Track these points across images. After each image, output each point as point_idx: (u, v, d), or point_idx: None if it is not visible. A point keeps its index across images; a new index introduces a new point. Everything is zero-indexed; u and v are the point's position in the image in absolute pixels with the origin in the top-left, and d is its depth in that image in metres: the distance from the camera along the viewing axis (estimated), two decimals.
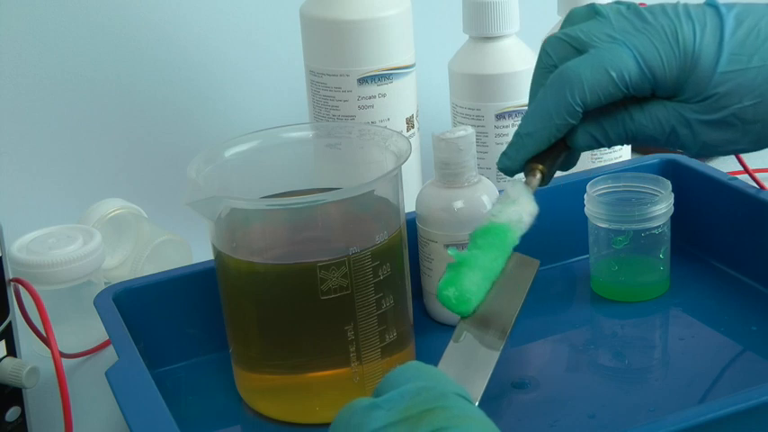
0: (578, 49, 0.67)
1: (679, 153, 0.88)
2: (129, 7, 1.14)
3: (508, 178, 0.71)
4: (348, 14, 0.89)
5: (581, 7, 0.70)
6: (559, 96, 0.66)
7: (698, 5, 0.67)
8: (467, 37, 0.96)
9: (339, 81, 0.91)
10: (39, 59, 1.12)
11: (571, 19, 0.70)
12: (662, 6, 0.67)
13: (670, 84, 0.66)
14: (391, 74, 0.91)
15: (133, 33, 1.14)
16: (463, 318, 0.65)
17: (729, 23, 0.65)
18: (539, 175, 0.68)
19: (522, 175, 0.69)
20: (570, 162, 0.72)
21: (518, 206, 0.67)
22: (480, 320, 0.65)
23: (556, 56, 0.68)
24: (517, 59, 0.95)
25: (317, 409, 0.73)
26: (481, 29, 0.94)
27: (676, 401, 0.73)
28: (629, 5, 0.68)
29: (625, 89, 0.65)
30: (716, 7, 0.66)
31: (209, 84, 1.17)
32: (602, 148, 0.69)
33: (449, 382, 0.52)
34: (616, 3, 0.69)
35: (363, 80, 0.90)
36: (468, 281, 0.64)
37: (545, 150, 0.68)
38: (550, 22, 1.01)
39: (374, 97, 0.91)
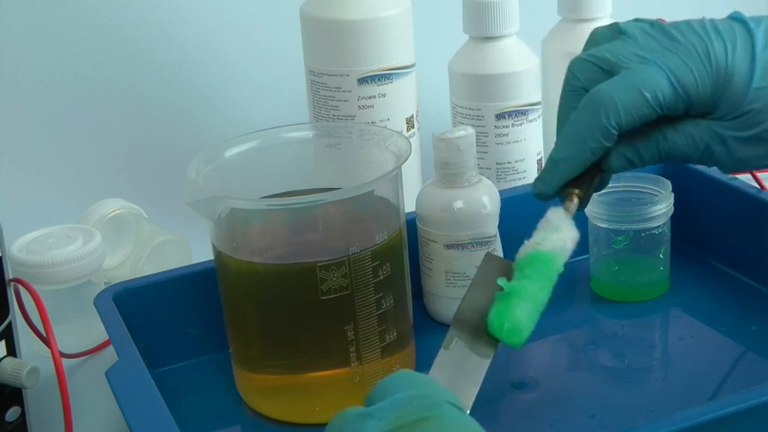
0: (606, 70, 0.67)
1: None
2: (129, 7, 1.14)
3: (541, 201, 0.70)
4: (348, 14, 0.89)
5: (603, 27, 0.70)
6: (594, 120, 0.65)
7: (724, 21, 0.67)
8: (467, 37, 0.96)
9: (339, 81, 0.91)
10: (39, 59, 1.12)
11: (594, 39, 0.69)
12: (688, 23, 0.66)
13: (704, 102, 0.65)
14: (391, 74, 0.91)
15: (133, 33, 1.14)
16: (457, 318, 0.65)
17: (760, 39, 0.65)
18: (576, 200, 0.68)
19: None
20: (603, 184, 0.72)
21: (561, 233, 0.66)
22: (471, 327, 0.64)
23: (584, 78, 0.68)
24: (517, 59, 0.95)
25: (316, 409, 0.73)
26: (481, 29, 0.94)
27: (676, 401, 0.73)
28: (652, 23, 0.68)
29: (659, 110, 0.65)
30: (744, 22, 0.66)
31: (210, 84, 1.17)
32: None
33: (441, 390, 0.52)
34: (637, 21, 0.68)
35: (363, 80, 0.90)
36: (519, 312, 0.63)
37: (579, 174, 0.68)
38: (550, 22, 1.01)
39: (374, 97, 0.91)
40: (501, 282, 0.64)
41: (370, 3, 0.90)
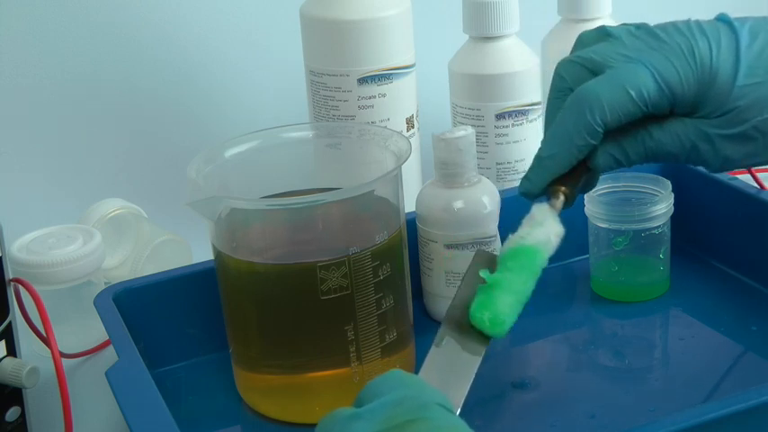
0: (593, 70, 0.67)
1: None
2: (130, 7, 1.14)
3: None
4: (348, 14, 0.89)
5: (590, 30, 0.70)
6: (579, 117, 0.66)
7: (710, 22, 0.67)
8: (467, 37, 0.96)
9: (339, 81, 0.91)
10: (39, 59, 1.12)
11: (582, 42, 0.70)
12: (674, 24, 0.67)
13: (689, 100, 0.66)
14: (391, 74, 0.91)
15: (133, 33, 1.14)
16: (449, 314, 0.65)
17: (744, 37, 0.65)
18: (562, 197, 0.68)
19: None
20: (591, 184, 0.72)
21: (545, 228, 0.66)
22: (462, 325, 0.64)
23: (570, 79, 0.68)
24: (517, 59, 0.95)
25: (316, 409, 0.72)
26: (481, 29, 0.94)
27: (676, 401, 0.73)
28: (638, 26, 0.68)
29: (644, 107, 0.65)
30: (728, 22, 0.66)
31: (210, 84, 1.17)
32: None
33: (430, 391, 0.52)
34: (624, 24, 0.69)
35: (363, 80, 0.90)
36: (501, 303, 0.64)
37: (566, 173, 0.68)
38: (550, 22, 1.01)
39: (374, 97, 0.91)
40: (483, 274, 0.65)
41: (370, 3, 0.90)
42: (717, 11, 0.68)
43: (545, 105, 0.97)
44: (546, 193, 0.69)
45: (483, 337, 0.64)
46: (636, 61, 0.65)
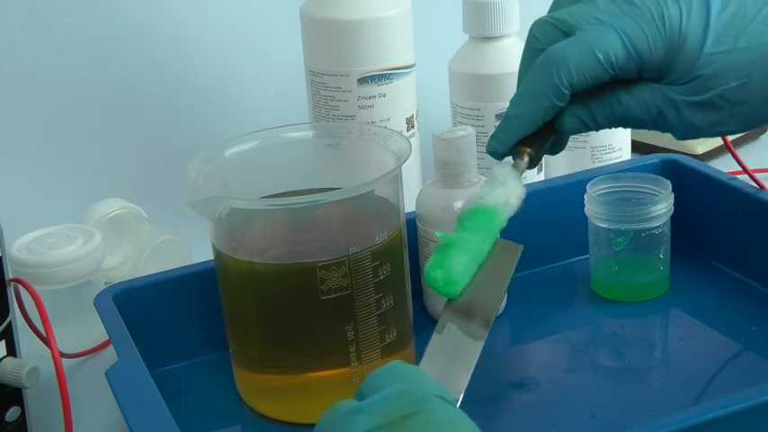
0: (565, 32, 0.67)
1: (668, 149, 0.88)
2: (130, 7, 1.14)
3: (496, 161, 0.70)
4: (348, 14, 0.89)
5: None
6: (546, 78, 0.66)
7: None
8: (467, 37, 0.96)
9: (339, 81, 0.91)
10: (39, 59, 1.12)
11: (558, 3, 0.70)
12: None
13: (656, 65, 0.66)
14: (391, 74, 0.91)
15: (134, 33, 1.14)
16: (450, 300, 0.65)
17: (716, 5, 0.65)
18: (526, 158, 0.68)
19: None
20: (558, 146, 0.72)
21: (506, 188, 0.66)
22: (464, 310, 0.64)
23: (543, 39, 0.68)
24: (517, 59, 0.93)
25: (316, 409, 0.72)
26: (481, 29, 0.94)
27: (676, 401, 0.73)
28: None
29: (612, 71, 0.65)
30: None
31: (210, 84, 1.17)
32: (591, 132, 0.69)
33: (431, 383, 0.52)
34: None
35: (363, 80, 0.90)
36: (455, 263, 0.64)
37: (533, 133, 0.68)
38: None
39: (374, 97, 0.91)
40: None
41: (370, 3, 0.90)
42: None
43: None
44: (511, 154, 0.69)
45: (484, 321, 0.63)
46: (606, 24, 0.65)
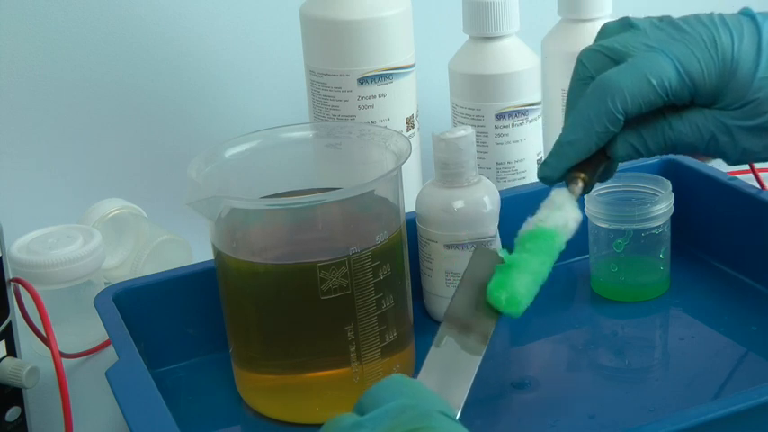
0: (615, 59, 0.67)
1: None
2: (130, 7, 1.14)
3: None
4: (348, 14, 0.89)
5: (614, 21, 0.71)
6: (600, 105, 0.66)
7: (733, 15, 0.67)
8: (467, 37, 0.96)
9: (339, 81, 0.91)
10: (39, 59, 1.12)
11: (604, 32, 0.70)
12: (697, 16, 0.67)
13: (709, 90, 0.66)
14: (391, 74, 0.91)
15: (133, 33, 1.14)
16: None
17: (767, 31, 0.66)
18: (581, 184, 0.68)
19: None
20: (608, 173, 0.72)
21: (564, 212, 0.67)
22: (461, 324, 0.64)
23: (592, 67, 0.68)
24: (517, 59, 0.94)
25: (316, 409, 0.73)
26: (481, 29, 0.94)
27: (676, 401, 0.73)
28: (661, 18, 0.69)
29: (665, 96, 0.66)
30: (752, 16, 0.67)
31: (210, 84, 1.17)
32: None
33: (432, 398, 0.52)
34: (647, 17, 0.69)
35: (363, 80, 0.90)
36: (518, 283, 0.64)
37: (585, 160, 0.68)
38: (550, 22, 1.01)
39: (374, 97, 0.91)
40: (502, 253, 0.65)
41: (370, 3, 0.90)
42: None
43: (545, 105, 0.98)
44: (564, 180, 0.69)
45: (482, 336, 0.63)
46: (658, 51, 0.66)
